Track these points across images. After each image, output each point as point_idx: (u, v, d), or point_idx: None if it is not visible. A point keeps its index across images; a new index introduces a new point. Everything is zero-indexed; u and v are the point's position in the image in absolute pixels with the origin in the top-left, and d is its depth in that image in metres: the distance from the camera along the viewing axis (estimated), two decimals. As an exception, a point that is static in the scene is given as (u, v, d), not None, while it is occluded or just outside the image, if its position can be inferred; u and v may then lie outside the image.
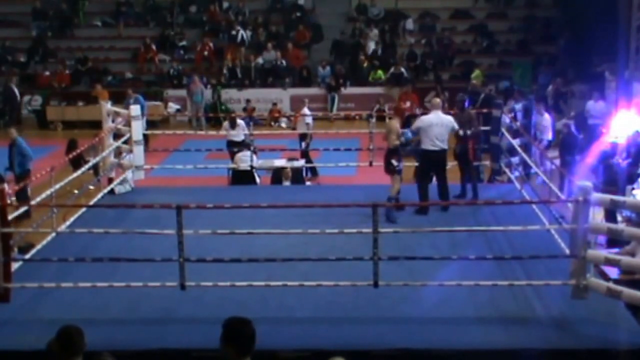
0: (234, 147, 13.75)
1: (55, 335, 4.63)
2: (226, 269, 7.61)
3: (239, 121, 14.44)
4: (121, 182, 11.50)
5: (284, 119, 21.09)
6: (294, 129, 17.07)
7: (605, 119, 15.35)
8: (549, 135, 14.47)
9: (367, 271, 7.27)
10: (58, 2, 25.10)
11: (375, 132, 11.93)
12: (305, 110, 15.59)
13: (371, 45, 23.70)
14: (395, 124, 10.29)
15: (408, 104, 20.05)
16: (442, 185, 10.37)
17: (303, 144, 15.07)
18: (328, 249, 8.07)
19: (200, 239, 7.83)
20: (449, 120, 10.41)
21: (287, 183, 13.29)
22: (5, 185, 8.95)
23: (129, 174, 11.59)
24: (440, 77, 22.62)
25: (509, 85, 20.74)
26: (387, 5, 24.97)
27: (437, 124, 10.21)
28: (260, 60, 23.38)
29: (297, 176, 13.62)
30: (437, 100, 10.70)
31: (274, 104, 21.84)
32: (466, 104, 11.40)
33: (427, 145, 10.21)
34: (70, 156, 11.61)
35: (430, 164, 10.38)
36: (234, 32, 24.10)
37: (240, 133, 14.07)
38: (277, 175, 13.67)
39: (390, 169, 10.18)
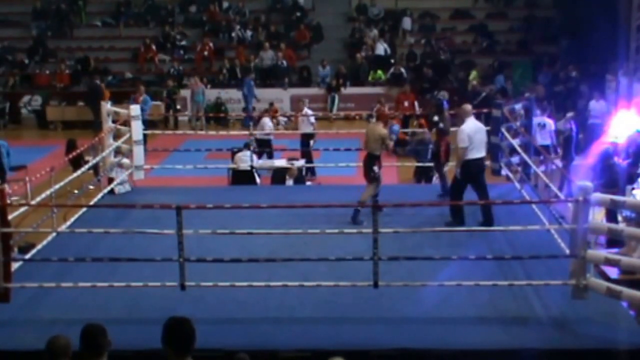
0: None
1: (80, 335, 4.50)
2: (226, 269, 7.61)
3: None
4: (121, 182, 11.50)
5: (284, 119, 21.09)
6: (295, 128, 17.12)
7: (605, 119, 15.35)
8: (547, 140, 14.22)
9: (367, 271, 7.27)
10: (58, 2, 25.10)
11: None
12: (308, 111, 15.67)
13: (379, 47, 23.64)
14: (380, 128, 10.05)
15: (406, 104, 20.09)
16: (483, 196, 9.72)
17: (312, 142, 15.15)
18: (328, 249, 8.07)
19: (200, 239, 7.84)
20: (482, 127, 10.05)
21: (290, 182, 13.30)
22: (6, 185, 8.96)
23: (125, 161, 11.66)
24: (432, 77, 22.66)
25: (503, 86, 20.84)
26: (387, 5, 24.99)
27: (479, 130, 9.80)
28: (258, 60, 23.37)
29: (298, 175, 13.64)
30: (468, 106, 10.14)
31: (271, 104, 21.83)
32: (444, 104, 11.56)
33: (471, 154, 9.59)
34: (70, 156, 11.61)
35: (472, 174, 9.73)
36: (233, 33, 24.15)
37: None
38: (278, 175, 13.68)
39: (370, 176, 9.95)
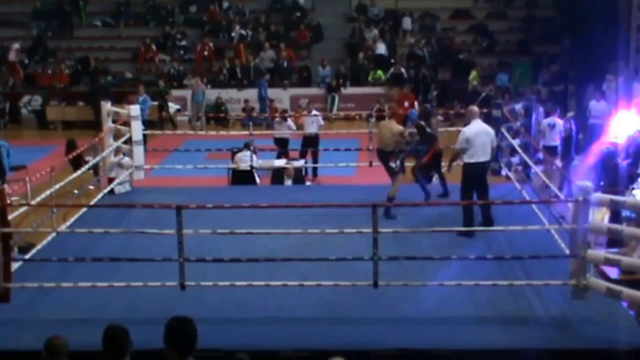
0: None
1: (102, 335, 4.53)
2: (226, 269, 7.62)
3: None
4: (121, 182, 11.51)
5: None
6: (296, 127, 17.14)
7: (606, 119, 15.34)
8: (557, 140, 14.11)
9: (367, 271, 7.27)
10: (58, 2, 25.09)
11: (375, 132, 11.94)
12: (315, 111, 15.77)
13: (379, 47, 23.62)
14: (395, 125, 10.31)
15: (406, 104, 20.11)
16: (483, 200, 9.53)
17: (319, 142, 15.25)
18: (328, 249, 8.07)
19: (200, 239, 7.83)
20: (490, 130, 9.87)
21: (289, 182, 13.31)
22: (6, 185, 8.96)
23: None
24: (425, 77, 22.70)
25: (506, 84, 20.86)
26: (387, 5, 24.99)
27: (481, 133, 9.59)
28: (259, 60, 23.37)
29: (297, 175, 13.64)
30: (475, 108, 10.00)
31: (271, 101, 21.85)
32: (431, 110, 11.81)
33: (472, 157, 9.45)
34: (70, 156, 11.61)
35: (473, 178, 9.55)
36: (233, 33, 24.15)
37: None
38: (277, 175, 13.68)
39: (390, 171, 10.27)
